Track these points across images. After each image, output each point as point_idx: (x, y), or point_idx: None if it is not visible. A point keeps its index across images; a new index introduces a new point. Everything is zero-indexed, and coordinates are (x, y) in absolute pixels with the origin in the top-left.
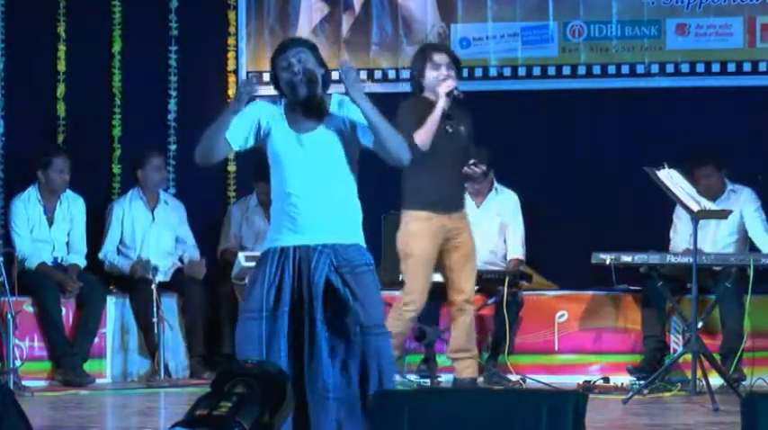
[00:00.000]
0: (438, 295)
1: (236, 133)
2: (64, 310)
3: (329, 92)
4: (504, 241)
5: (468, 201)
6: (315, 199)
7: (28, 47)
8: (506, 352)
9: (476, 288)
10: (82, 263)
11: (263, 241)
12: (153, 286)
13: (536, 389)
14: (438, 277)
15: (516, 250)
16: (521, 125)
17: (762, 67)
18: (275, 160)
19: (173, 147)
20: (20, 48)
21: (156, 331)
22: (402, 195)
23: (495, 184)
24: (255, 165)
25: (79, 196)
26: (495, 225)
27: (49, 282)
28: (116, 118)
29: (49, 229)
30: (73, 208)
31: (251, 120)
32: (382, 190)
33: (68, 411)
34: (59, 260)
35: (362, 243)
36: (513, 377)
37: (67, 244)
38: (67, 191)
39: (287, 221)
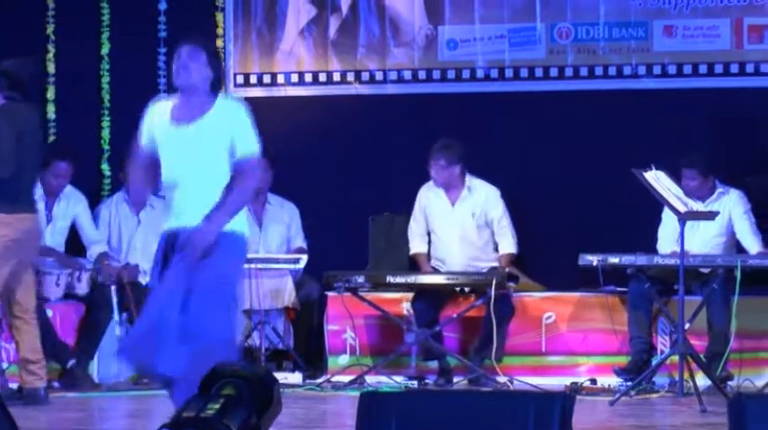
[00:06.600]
0: (437, 296)
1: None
2: (51, 313)
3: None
4: (493, 235)
5: (444, 200)
6: (182, 188)
7: (17, 48)
8: (494, 354)
9: (467, 289)
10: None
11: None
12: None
13: (523, 391)
14: (439, 278)
15: (506, 245)
16: (508, 127)
17: (749, 68)
18: (159, 150)
19: None
20: (8, 49)
21: None
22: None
23: (468, 182)
24: None
25: (79, 191)
26: (471, 224)
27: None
28: (105, 119)
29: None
30: (73, 205)
31: (148, 130)
32: (369, 191)
33: (61, 413)
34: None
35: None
36: (501, 379)
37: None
38: (69, 189)
39: (168, 208)
